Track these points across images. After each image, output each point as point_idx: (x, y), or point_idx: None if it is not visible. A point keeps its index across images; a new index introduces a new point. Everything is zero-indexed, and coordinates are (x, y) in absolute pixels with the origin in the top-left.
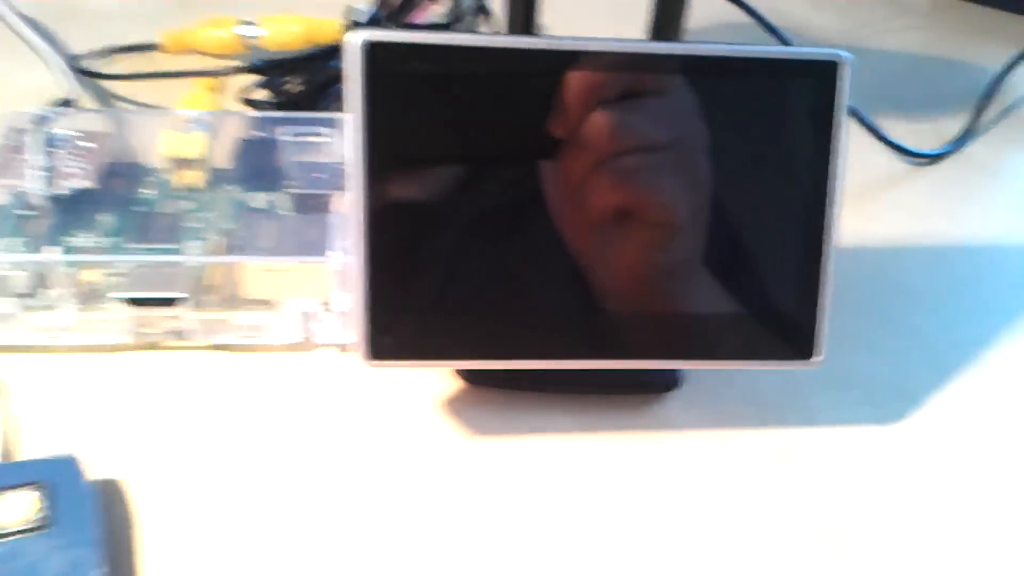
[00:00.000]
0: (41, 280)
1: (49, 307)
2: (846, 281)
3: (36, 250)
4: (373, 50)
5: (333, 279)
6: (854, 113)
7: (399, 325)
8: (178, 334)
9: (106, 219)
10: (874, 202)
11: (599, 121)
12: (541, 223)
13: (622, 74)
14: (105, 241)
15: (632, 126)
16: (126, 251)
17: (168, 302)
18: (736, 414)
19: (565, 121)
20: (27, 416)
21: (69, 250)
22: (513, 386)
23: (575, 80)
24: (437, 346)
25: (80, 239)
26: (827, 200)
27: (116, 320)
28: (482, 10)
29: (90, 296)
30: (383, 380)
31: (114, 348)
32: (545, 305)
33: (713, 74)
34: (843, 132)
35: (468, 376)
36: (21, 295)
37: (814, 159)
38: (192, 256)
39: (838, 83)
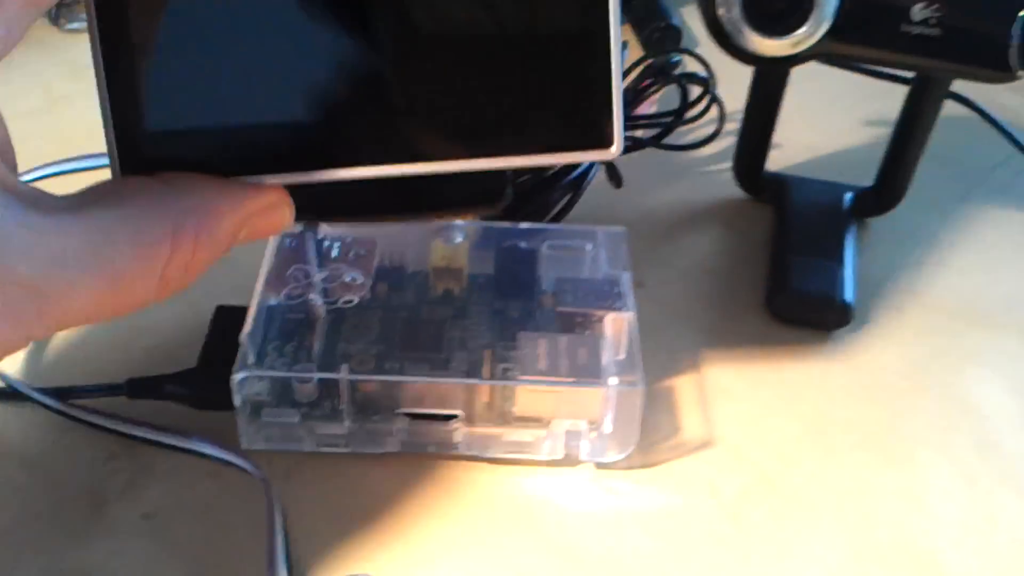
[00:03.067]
0: (324, 391)
1: (328, 416)
2: None
3: (316, 359)
4: None
5: (603, 401)
6: None
7: (149, 134)
8: (448, 446)
9: (373, 324)
10: None
11: None
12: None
13: None
14: (376, 349)
15: None
16: (403, 361)
17: (444, 418)
18: None
19: None
20: (310, 526)
21: (349, 360)
22: (334, 216)
23: None
24: (188, 162)
25: (356, 346)
26: None
27: (391, 431)
28: (671, 29)
29: (366, 406)
30: (636, 498)
31: (386, 456)
32: (323, 105)
33: None
34: None
35: None
36: (305, 404)
37: None
38: (473, 380)
39: None
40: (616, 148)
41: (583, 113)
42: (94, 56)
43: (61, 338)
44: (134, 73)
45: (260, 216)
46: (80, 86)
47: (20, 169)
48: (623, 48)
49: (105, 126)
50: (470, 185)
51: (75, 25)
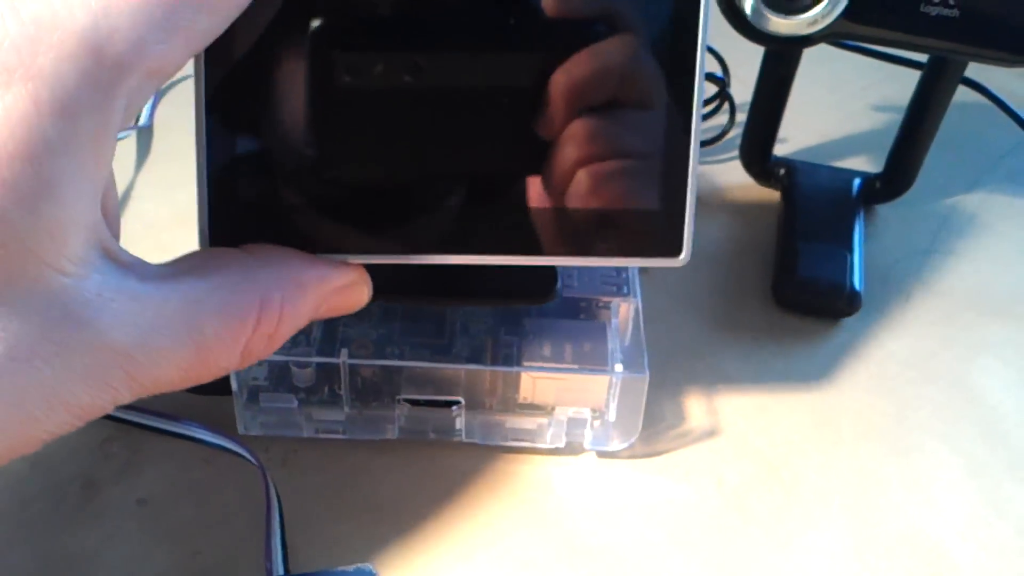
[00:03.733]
0: (323, 376)
1: (327, 402)
2: None
3: (315, 343)
4: None
5: (608, 389)
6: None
7: (240, 211)
8: (448, 433)
9: (374, 308)
10: None
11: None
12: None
13: None
14: (377, 333)
15: None
16: (403, 347)
17: (445, 404)
18: None
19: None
20: (307, 514)
21: (348, 344)
22: (384, 295)
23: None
24: (277, 236)
25: (357, 330)
26: (693, 95)
27: (391, 417)
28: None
29: (365, 392)
30: (640, 487)
31: (385, 442)
32: (403, 196)
33: None
34: (707, 21)
35: None
36: (303, 389)
37: (680, 50)
38: (475, 365)
39: None
40: (685, 255)
41: (657, 223)
42: (197, 132)
43: None
44: (234, 148)
45: (341, 293)
46: None
47: None
48: None
49: (200, 198)
50: (523, 280)
51: None
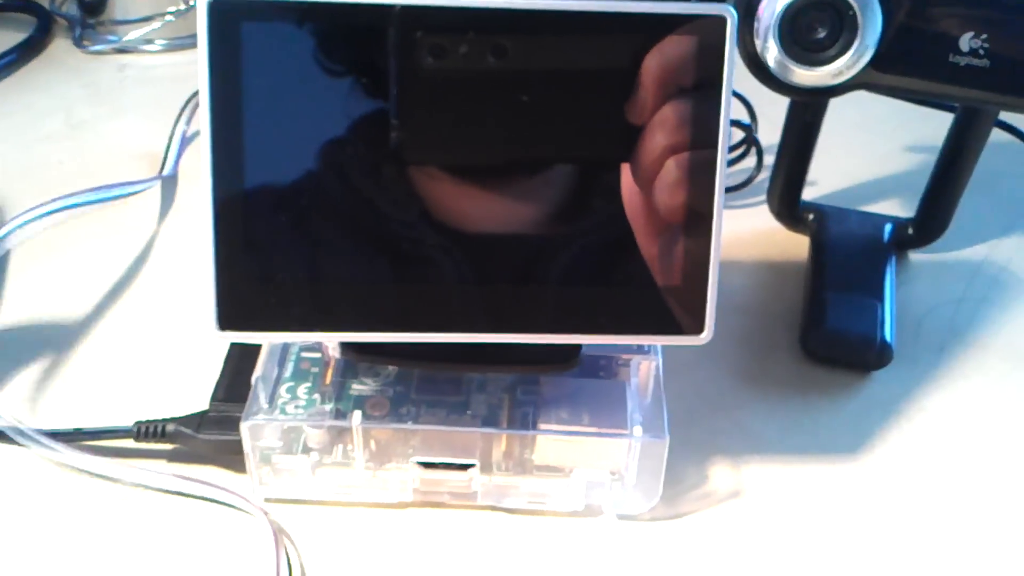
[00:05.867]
0: (337, 436)
1: (341, 463)
2: None
3: (327, 400)
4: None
5: (627, 453)
6: None
7: (250, 292)
8: (464, 496)
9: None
10: None
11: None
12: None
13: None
14: (393, 390)
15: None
16: (419, 404)
17: (460, 466)
18: None
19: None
20: (314, 571)
21: (363, 402)
22: (402, 361)
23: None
24: (293, 316)
25: (369, 386)
26: (715, 173)
27: (405, 479)
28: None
29: (379, 453)
30: (661, 551)
31: (400, 505)
32: (422, 274)
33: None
34: (730, 94)
35: (353, 349)
36: (315, 450)
37: (704, 125)
38: (491, 428)
39: (727, 41)
40: (707, 334)
41: (679, 303)
42: (210, 222)
43: (69, 378)
44: (243, 236)
45: None
46: (101, 110)
47: (41, 197)
48: None
49: (208, 282)
50: (545, 347)
51: (99, 47)
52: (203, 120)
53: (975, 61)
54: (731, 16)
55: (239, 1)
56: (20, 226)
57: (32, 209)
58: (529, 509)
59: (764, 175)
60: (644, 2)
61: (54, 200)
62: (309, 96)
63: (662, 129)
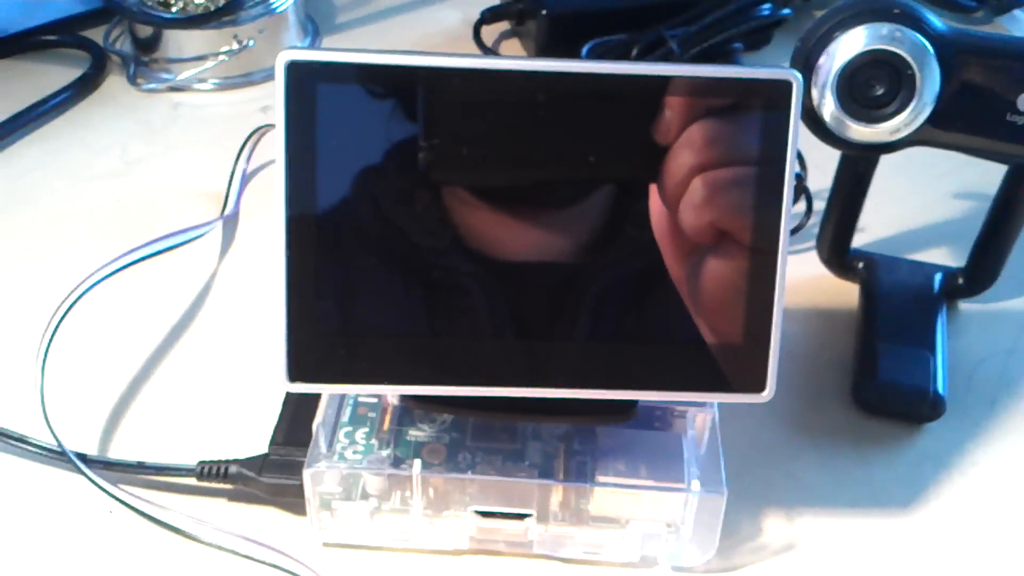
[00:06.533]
0: (395, 483)
1: (399, 510)
2: None
3: (384, 445)
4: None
5: (684, 506)
6: None
7: (321, 345)
8: (520, 544)
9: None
10: None
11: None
12: None
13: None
14: (449, 437)
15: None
16: (475, 452)
17: (517, 516)
18: None
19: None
20: None
21: (417, 450)
22: (461, 410)
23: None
24: (360, 369)
25: (425, 432)
26: (780, 230)
27: (462, 527)
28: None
29: (436, 500)
30: None
31: (456, 552)
32: (485, 331)
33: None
34: (794, 155)
35: (413, 397)
36: (374, 496)
37: (768, 185)
38: (548, 480)
39: (792, 106)
40: (768, 392)
41: (741, 361)
42: (284, 278)
43: (134, 414)
44: (314, 291)
45: None
46: (156, 148)
47: (101, 236)
48: None
49: (279, 336)
50: (603, 401)
51: (153, 85)
52: (278, 176)
53: None
54: (796, 81)
55: (316, 61)
56: (94, 284)
57: (106, 265)
58: (584, 559)
59: (814, 220)
60: (711, 66)
61: (124, 255)
62: (377, 154)
63: (716, 197)
